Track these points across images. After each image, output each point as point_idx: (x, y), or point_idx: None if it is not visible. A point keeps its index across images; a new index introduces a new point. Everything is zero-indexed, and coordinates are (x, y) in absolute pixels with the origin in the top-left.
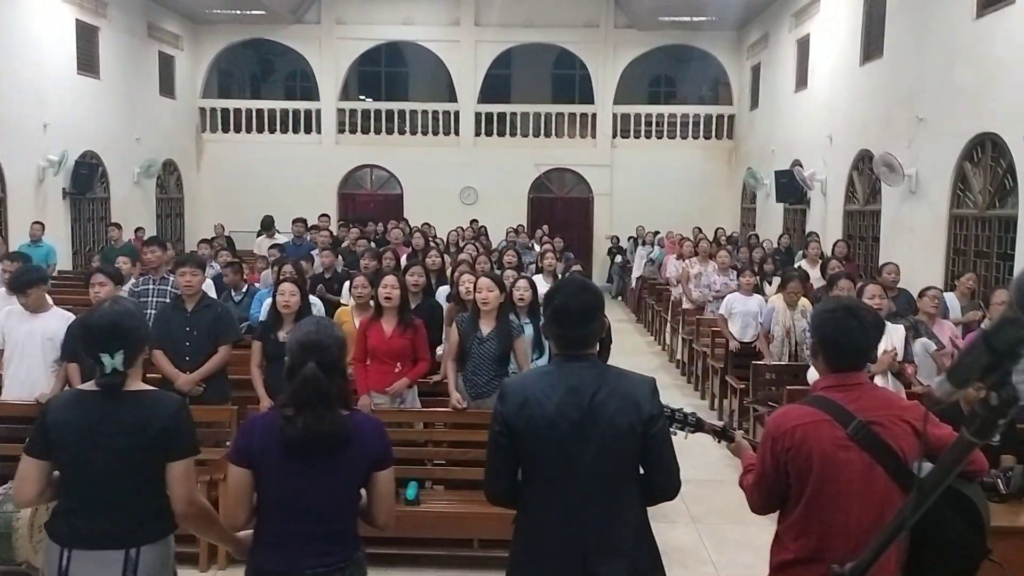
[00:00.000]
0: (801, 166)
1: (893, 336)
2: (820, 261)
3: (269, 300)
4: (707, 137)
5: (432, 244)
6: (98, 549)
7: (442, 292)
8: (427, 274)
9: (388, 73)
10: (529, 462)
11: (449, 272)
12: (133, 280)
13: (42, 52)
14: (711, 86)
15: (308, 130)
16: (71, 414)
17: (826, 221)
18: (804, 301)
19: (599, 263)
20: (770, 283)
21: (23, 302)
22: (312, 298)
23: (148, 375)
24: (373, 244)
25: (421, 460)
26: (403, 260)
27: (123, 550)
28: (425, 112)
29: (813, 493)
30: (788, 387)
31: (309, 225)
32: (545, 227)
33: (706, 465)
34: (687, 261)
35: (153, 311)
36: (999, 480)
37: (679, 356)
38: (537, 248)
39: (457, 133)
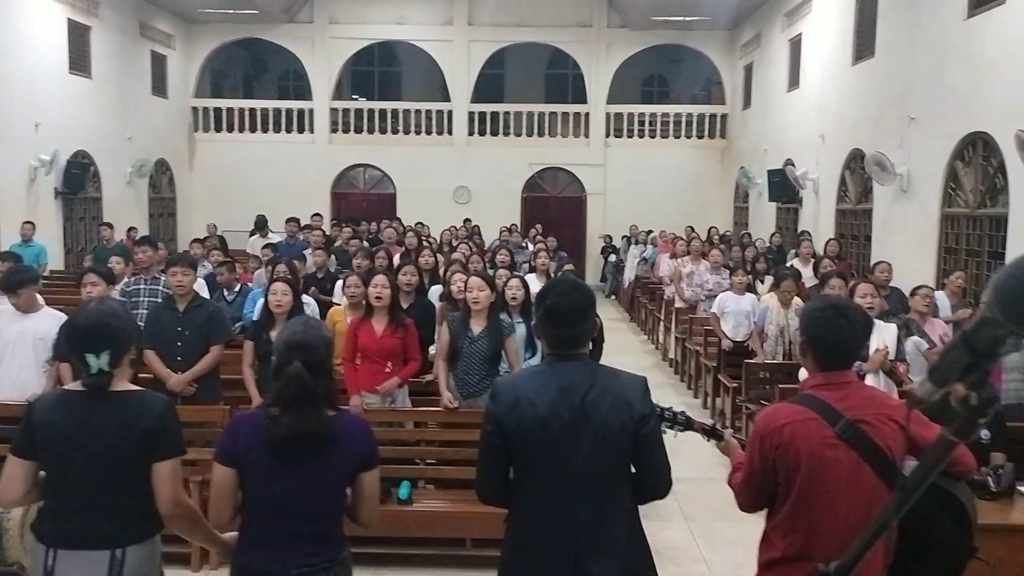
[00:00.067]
0: (793, 165)
1: (885, 335)
2: (812, 260)
3: (262, 300)
4: (700, 136)
5: (425, 244)
6: (84, 549)
7: (435, 291)
8: (420, 273)
9: (381, 72)
10: (521, 462)
11: (442, 271)
12: (125, 280)
13: (34, 51)
14: (704, 86)
15: (301, 129)
16: (57, 414)
17: (818, 220)
18: (798, 300)
19: (592, 262)
20: (762, 282)
21: (14, 302)
22: (305, 298)
23: (140, 375)
24: (366, 243)
25: (413, 460)
26: (396, 259)
27: (109, 550)
28: (418, 111)
29: (801, 491)
30: (781, 386)
31: (302, 225)
32: (538, 226)
33: (698, 463)
34: (679, 260)
35: (145, 311)
36: (990, 478)
37: (672, 355)
38: (530, 247)
39: (450, 132)
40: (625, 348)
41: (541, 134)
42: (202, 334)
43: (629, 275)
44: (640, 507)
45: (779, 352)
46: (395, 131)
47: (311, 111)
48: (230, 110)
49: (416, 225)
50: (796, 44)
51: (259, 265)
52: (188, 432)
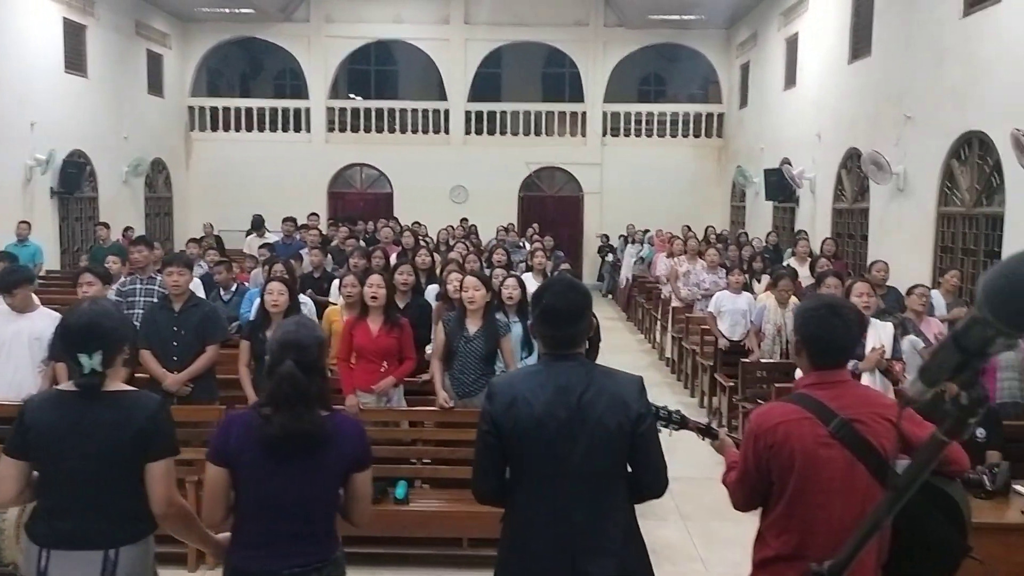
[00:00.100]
0: (790, 164)
1: (882, 333)
2: (809, 259)
3: (259, 299)
4: (697, 135)
5: (422, 243)
6: (77, 549)
7: (431, 291)
8: (416, 273)
9: (378, 72)
10: (517, 461)
11: (439, 271)
12: (121, 280)
13: (29, 50)
14: (701, 85)
15: (298, 129)
16: (49, 414)
17: (815, 219)
18: (795, 299)
19: (589, 261)
20: (759, 281)
21: (9, 302)
22: (303, 297)
23: (136, 375)
24: (363, 243)
25: (409, 459)
26: (393, 259)
27: (102, 551)
28: (415, 111)
29: (795, 490)
30: (777, 385)
31: (298, 224)
32: (535, 225)
33: (695, 463)
34: (675, 259)
35: (140, 311)
36: (985, 476)
37: (669, 354)
38: (527, 247)
39: (447, 132)
40: (622, 347)
41: (538, 133)
42: (198, 334)
43: (626, 274)
44: (636, 506)
45: (776, 351)
46: (392, 130)
47: (307, 110)
48: (226, 109)
49: (413, 224)
50: (792, 43)
51: (255, 264)
52: (184, 432)
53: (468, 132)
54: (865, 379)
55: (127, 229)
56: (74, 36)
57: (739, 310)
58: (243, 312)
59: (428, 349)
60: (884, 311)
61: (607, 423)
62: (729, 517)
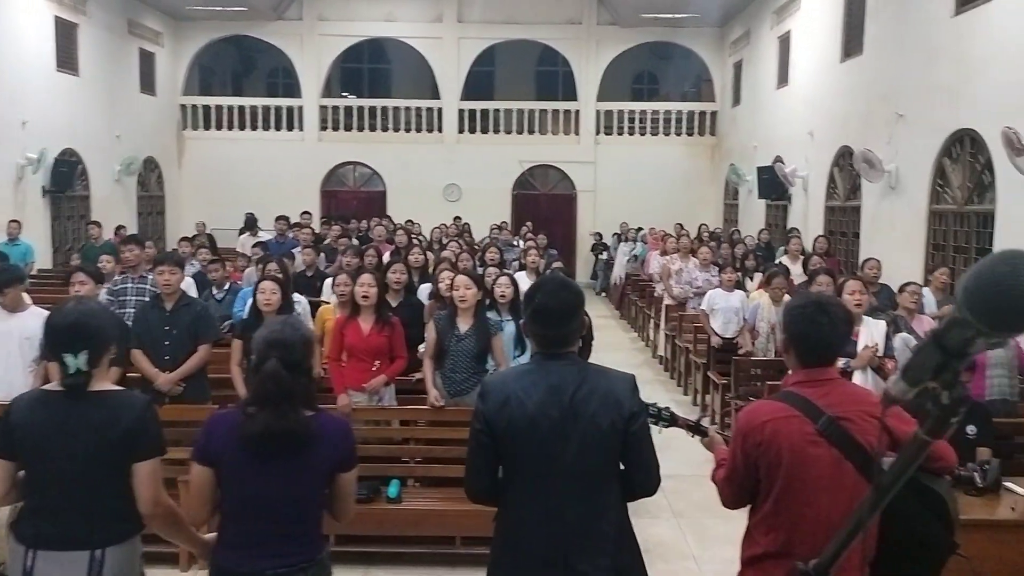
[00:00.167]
0: (783, 162)
1: (874, 331)
2: (801, 257)
3: (252, 298)
4: (690, 133)
5: (415, 242)
6: (63, 550)
7: (424, 290)
8: (409, 271)
9: (371, 70)
10: (510, 460)
11: (432, 269)
12: (112, 279)
13: (20, 49)
14: (694, 83)
15: (290, 127)
16: (35, 414)
17: (807, 217)
18: (788, 297)
19: (583, 259)
20: (751, 279)
21: (0, 301)
22: (297, 296)
23: (128, 374)
24: (356, 241)
25: (401, 458)
26: (386, 257)
27: (88, 551)
28: (408, 109)
29: (783, 488)
30: (771, 383)
31: (291, 223)
32: (529, 224)
33: (687, 460)
34: (668, 257)
35: (132, 310)
36: (976, 473)
37: (662, 352)
38: (520, 245)
39: (440, 130)
40: (615, 345)
41: (531, 131)
42: (190, 333)
43: (619, 272)
44: (629, 504)
45: (770, 349)
46: (385, 129)
47: (300, 109)
48: (219, 108)
49: (406, 223)
50: (785, 41)
51: (248, 263)
52: (176, 432)
53: (461, 130)
54: (857, 377)
55: (119, 228)
56: (66, 34)
57: (732, 308)
58: (236, 311)
59: (421, 348)
60: (876, 309)
61: (600, 422)
62: (721, 514)
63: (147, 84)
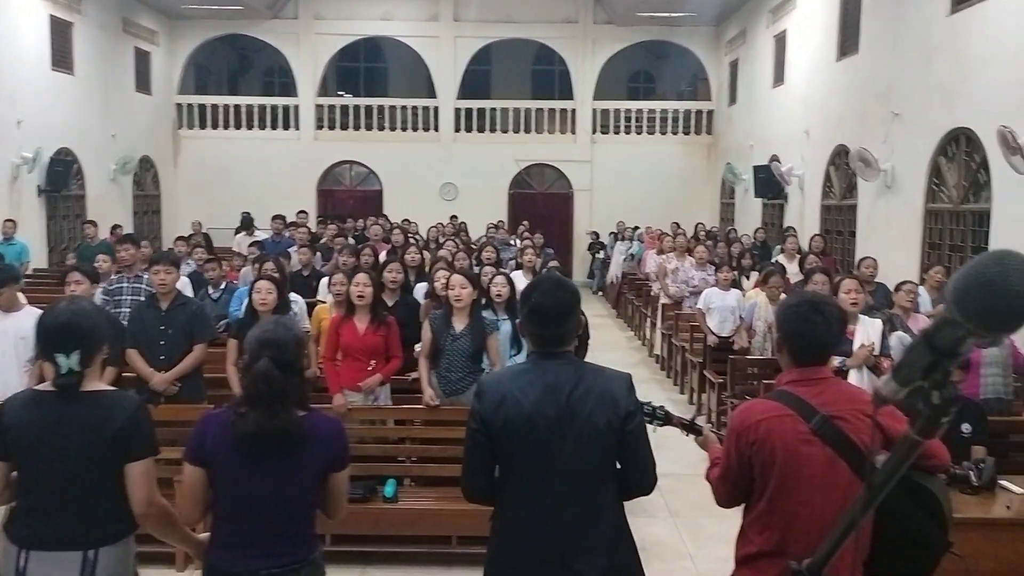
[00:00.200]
0: (779, 161)
1: (870, 330)
2: (798, 256)
3: (248, 298)
4: (686, 132)
5: (412, 241)
6: (56, 550)
7: (420, 289)
8: (405, 271)
9: (367, 69)
10: (507, 460)
11: (428, 269)
12: (108, 278)
13: (15, 48)
14: (690, 82)
15: (286, 126)
16: (27, 415)
17: (803, 216)
18: (785, 296)
19: (579, 258)
20: (748, 278)
21: None
22: (294, 296)
23: (124, 374)
24: (352, 240)
25: (397, 458)
26: (382, 257)
27: (81, 551)
28: (404, 108)
29: (776, 487)
30: (766, 381)
31: (287, 222)
32: (526, 223)
33: (683, 459)
34: (664, 256)
35: (128, 310)
36: (971, 472)
37: (658, 351)
38: (516, 244)
39: (437, 129)
40: (611, 344)
41: (528, 130)
42: (185, 333)
43: (615, 271)
44: (625, 503)
45: (767, 348)
46: (381, 128)
47: (296, 107)
48: (215, 106)
49: (402, 222)
50: (781, 40)
51: (244, 263)
52: (171, 431)
53: (457, 129)
54: (853, 376)
55: (115, 227)
56: (61, 33)
57: (728, 307)
58: (232, 310)
59: (417, 347)
60: (872, 307)
61: (596, 421)
62: (717, 513)
63: (143, 83)
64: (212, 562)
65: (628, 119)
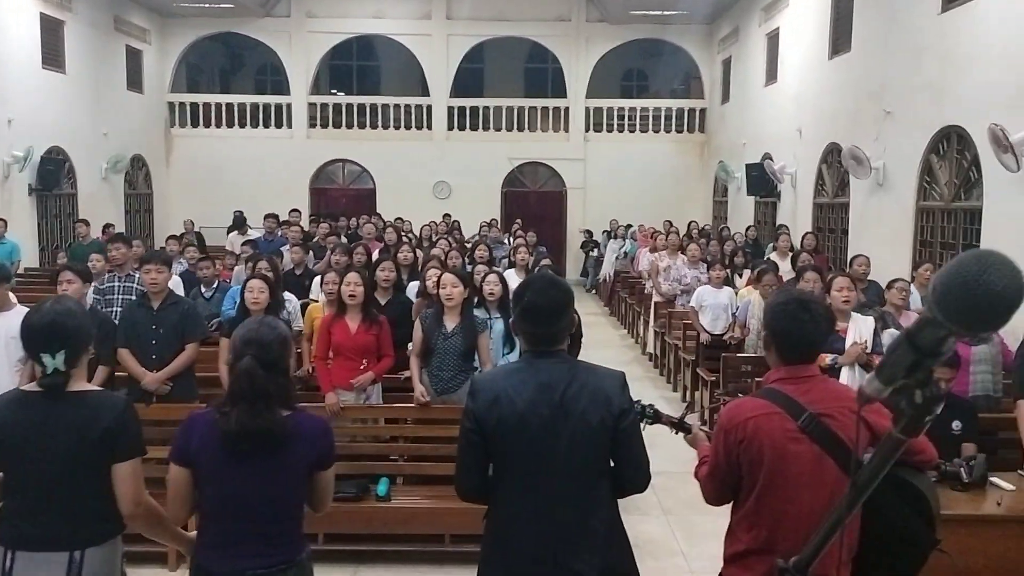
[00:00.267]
0: (771, 159)
1: (862, 327)
2: (790, 253)
3: (240, 296)
4: (679, 131)
5: (405, 239)
6: (42, 551)
7: (413, 287)
8: (398, 269)
9: (359, 67)
10: (500, 459)
11: (421, 267)
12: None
13: (5, 46)
14: (683, 80)
15: (279, 124)
16: (13, 415)
17: (796, 214)
18: None
19: (573, 256)
20: (740, 276)
21: None
22: (288, 295)
23: (116, 373)
24: (345, 239)
25: (389, 456)
26: (375, 255)
27: (67, 552)
28: (397, 106)
29: (764, 485)
30: (759, 379)
31: (280, 220)
32: (519, 221)
33: (676, 457)
34: (657, 254)
35: (119, 309)
36: (962, 469)
37: (651, 349)
38: (509, 242)
39: (430, 127)
40: (604, 342)
41: (521, 129)
42: (177, 332)
43: (607, 269)
44: (618, 501)
45: (760, 346)
46: (374, 126)
47: (289, 106)
48: (207, 105)
49: (395, 221)
50: (773, 38)
51: (236, 261)
52: (163, 431)
53: (451, 128)
54: (845, 373)
55: (107, 226)
56: (51, 31)
57: (720, 304)
58: (225, 309)
59: (410, 346)
60: (865, 305)
61: (590, 419)
62: (710, 511)
63: (134, 81)
64: (199, 562)
65: (621, 117)
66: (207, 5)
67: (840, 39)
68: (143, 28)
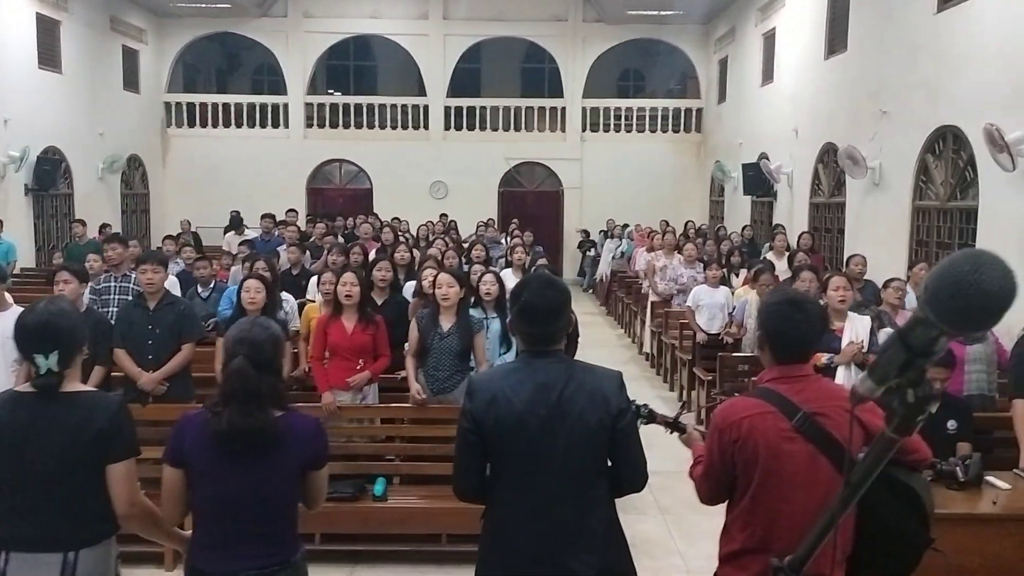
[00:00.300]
0: (768, 159)
1: (859, 327)
2: (786, 253)
3: (237, 297)
4: (676, 130)
5: (402, 239)
6: (36, 552)
7: (409, 287)
8: (395, 269)
9: (356, 67)
10: (498, 459)
11: (418, 267)
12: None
13: (1, 46)
14: (679, 80)
15: (276, 124)
16: (6, 416)
17: (792, 213)
18: None
19: (570, 256)
20: (737, 275)
21: None
22: (285, 295)
23: (113, 373)
24: (342, 239)
25: (385, 456)
26: (372, 255)
27: (61, 553)
28: (394, 106)
29: (759, 484)
30: (755, 379)
31: (277, 220)
32: (516, 221)
33: (673, 456)
34: (653, 254)
35: (115, 309)
36: (958, 468)
37: (648, 349)
38: (506, 242)
39: (427, 127)
40: (601, 342)
41: (517, 128)
42: (173, 332)
43: (604, 269)
44: (616, 500)
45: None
46: (371, 126)
47: (286, 106)
48: (203, 105)
49: (392, 220)
50: (770, 38)
51: (233, 261)
52: (159, 431)
53: (447, 127)
54: (841, 373)
55: (104, 226)
56: (48, 31)
57: (716, 304)
58: (221, 309)
59: (407, 346)
60: (861, 304)
61: (587, 419)
62: (706, 510)
63: (131, 81)
64: (194, 563)
65: (618, 117)
66: (203, 5)
67: (836, 39)
68: (139, 28)
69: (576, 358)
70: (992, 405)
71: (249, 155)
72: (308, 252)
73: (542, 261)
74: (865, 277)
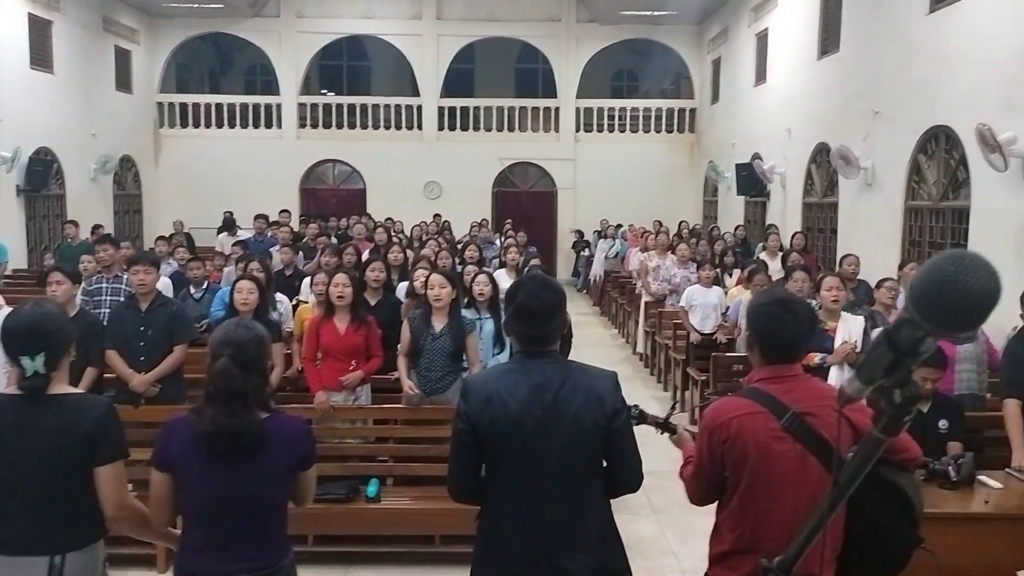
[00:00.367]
0: (761, 159)
1: (852, 327)
2: (780, 253)
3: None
4: (669, 131)
5: (395, 240)
6: (23, 555)
7: (402, 288)
8: (388, 270)
9: (349, 67)
10: (493, 460)
11: (411, 267)
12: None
13: None
14: (672, 80)
15: (269, 125)
16: None
17: (785, 213)
18: None
19: (564, 257)
20: (730, 275)
21: None
22: (279, 296)
23: (104, 375)
24: (335, 240)
25: (378, 457)
26: (365, 255)
27: (48, 556)
28: (387, 106)
29: (748, 484)
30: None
31: (270, 221)
32: (509, 221)
33: (667, 457)
34: (647, 254)
35: (107, 310)
36: (950, 467)
37: (642, 349)
38: (499, 242)
39: (420, 127)
40: (595, 342)
41: (511, 129)
42: (165, 333)
43: (598, 269)
44: (610, 500)
45: None
46: (364, 126)
47: (279, 106)
48: (196, 105)
49: (386, 221)
50: (763, 39)
51: (226, 262)
52: (151, 433)
53: (441, 128)
54: (834, 373)
55: (96, 227)
56: (40, 32)
57: (710, 304)
58: (214, 310)
59: (400, 347)
60: (854, 304)
61: (583, 419)
62: (700, 511)
63: (123, 82)
64: (182, 565)
65: (611, 117)
66: (196, 5)
67: (829, 39)
68: (132, 28)
69: (570, 358)
70: (983, 404)
71: (242, 155)
72: (301, 253)
73: (535, 261)
74: (858, 277)
